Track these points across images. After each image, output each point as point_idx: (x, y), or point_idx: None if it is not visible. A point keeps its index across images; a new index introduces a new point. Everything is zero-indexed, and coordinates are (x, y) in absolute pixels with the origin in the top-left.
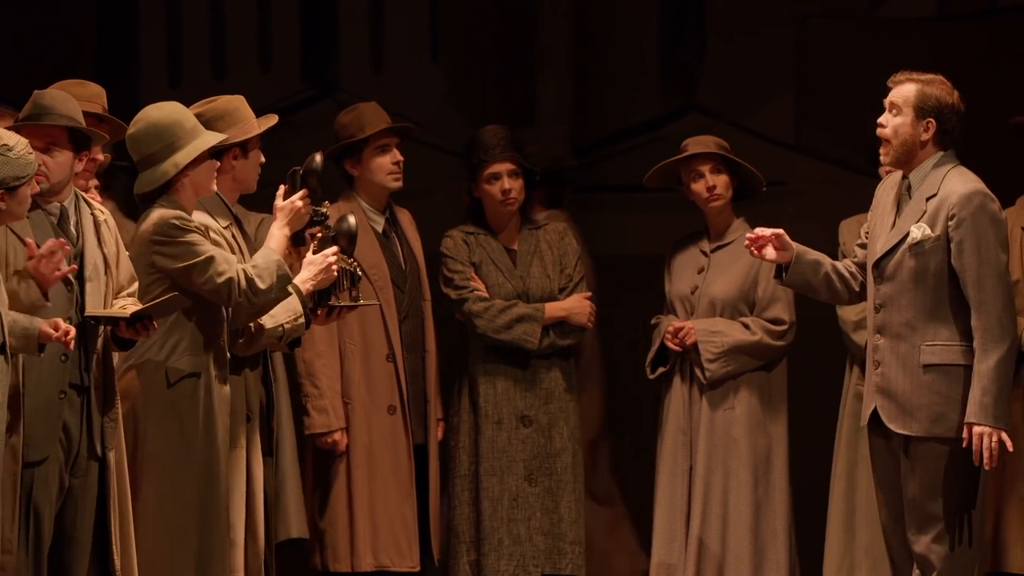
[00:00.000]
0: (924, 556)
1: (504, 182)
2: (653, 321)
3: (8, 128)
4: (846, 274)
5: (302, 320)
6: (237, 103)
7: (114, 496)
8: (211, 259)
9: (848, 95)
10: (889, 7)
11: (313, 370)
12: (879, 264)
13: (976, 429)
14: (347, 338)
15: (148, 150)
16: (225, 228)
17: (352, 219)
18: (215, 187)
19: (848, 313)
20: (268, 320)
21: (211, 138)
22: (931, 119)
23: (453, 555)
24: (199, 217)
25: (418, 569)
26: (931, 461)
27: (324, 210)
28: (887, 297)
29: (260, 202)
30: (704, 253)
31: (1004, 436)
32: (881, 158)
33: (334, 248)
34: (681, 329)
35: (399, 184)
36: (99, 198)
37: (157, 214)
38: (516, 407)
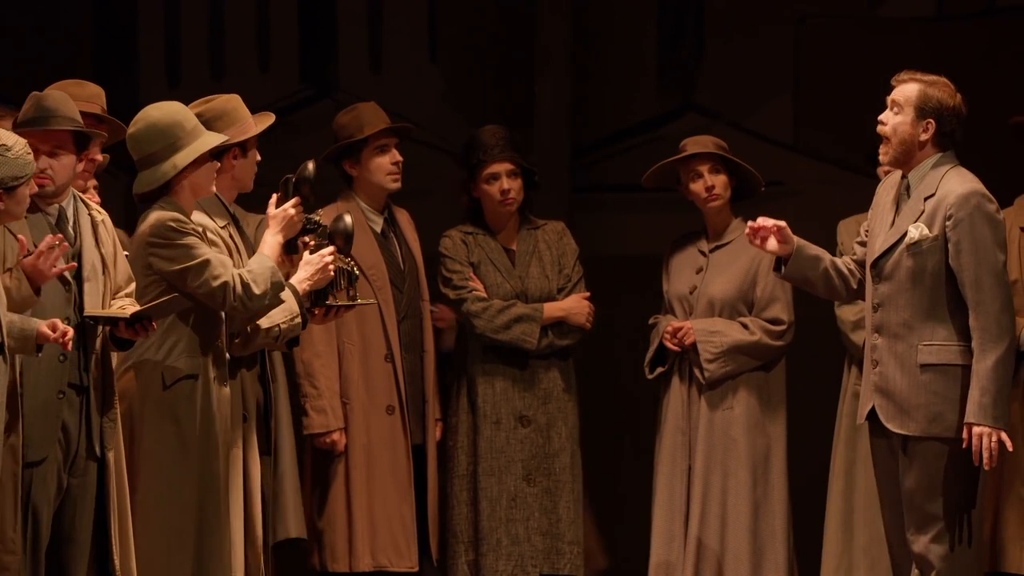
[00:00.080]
0: (923, 556)
1: (503, 182)
2: (651, 321)
3: (15, 133)
4: (845, 271)
5: (299, 320)
6: (235, 103)
7: (113, 496)
8: (207, 262)
9: (847, 95)
10: (888, 7)
11: (312, 370)
12: (877, 263)
13: (976, 429)
14: (346, 338)
15: (148, 150)
16: (222, 228)
17: (348, 219)
18: (214, 188)
19: (847, 313)
20: (264, 320)
21: (211, 139)
22: (931, 120)
23: (451, 555)
24: (196, 217)
25: (416, 569)
26: (929, 461)
27: (317, 218)
28: (885, 296)
29: (256, 201)
30: (703, 253)
31: (1004, 436)
32: (880, 157)
33: (331, 248)
34: (680, 329)
35: (398, 185)
36: (98, 198)
37: (155, 216)
38: (514, 407)
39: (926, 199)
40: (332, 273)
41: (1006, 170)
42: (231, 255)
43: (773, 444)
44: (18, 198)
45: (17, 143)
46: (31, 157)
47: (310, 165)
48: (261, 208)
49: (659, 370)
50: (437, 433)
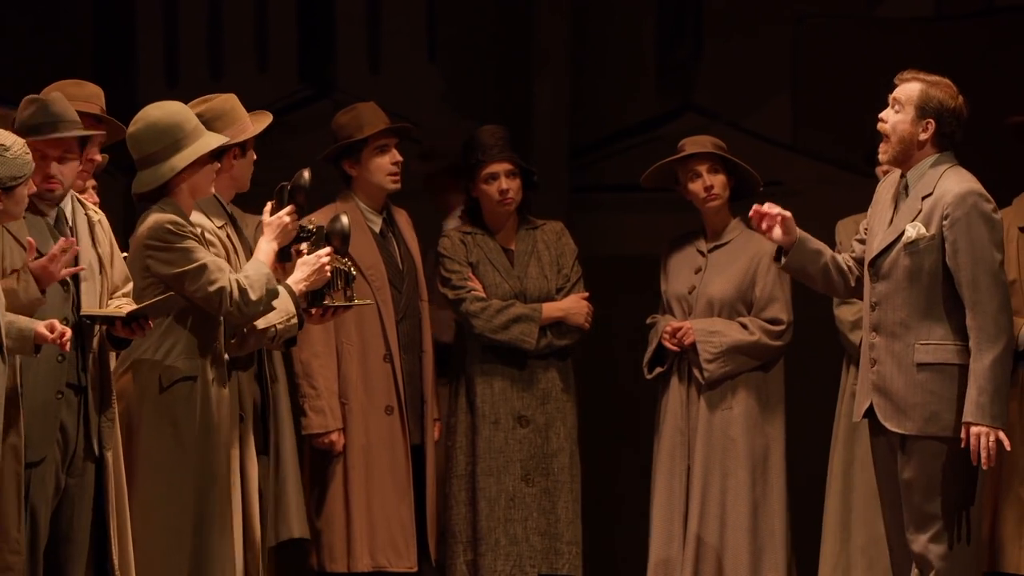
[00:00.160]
0: (922, 555)
1: (502, 182)
2: (649, 320)
3: (28, 144)
4: (844, 267)
5: (295, 321)
6: (232, 102)
7: (111, 496)
8: (204, 267)
9: (845, 95)
10: (886, 7)
11: (310, 371)
12: (875, 262)
13: (973, 429)
14: (344, 338)
15: (148, 150)
16: (220, 228)
17: (345, 219)
18: (213, 189)
19: (845, 313)
20: (261, 321)
21: (212, 140)
22: (931, 120)
23: (450, 555)
24: (194, 217)
25: (415, 569)
26: (926, 460)
27: (311, 227)
28: (882, 295)
29: (253, 201)
30: (701, 253)
31: (1001, 435)
32: (880, 155)
33: (327, 248)
34: (679, 329)
35: (397, 186)
36: (96, 198)
37: (153, 218)
38: (513, 407)
39: (923, 198)
40: (328, 274)
41: (1005, 170)
42: (228, 255)
43: (772, 444)
44: (17, 198)
45: (16, 143)
46: (29, 157)
47: (305, 173)
48: (256, 207)
49: (658, 370)
50: (436, 433)
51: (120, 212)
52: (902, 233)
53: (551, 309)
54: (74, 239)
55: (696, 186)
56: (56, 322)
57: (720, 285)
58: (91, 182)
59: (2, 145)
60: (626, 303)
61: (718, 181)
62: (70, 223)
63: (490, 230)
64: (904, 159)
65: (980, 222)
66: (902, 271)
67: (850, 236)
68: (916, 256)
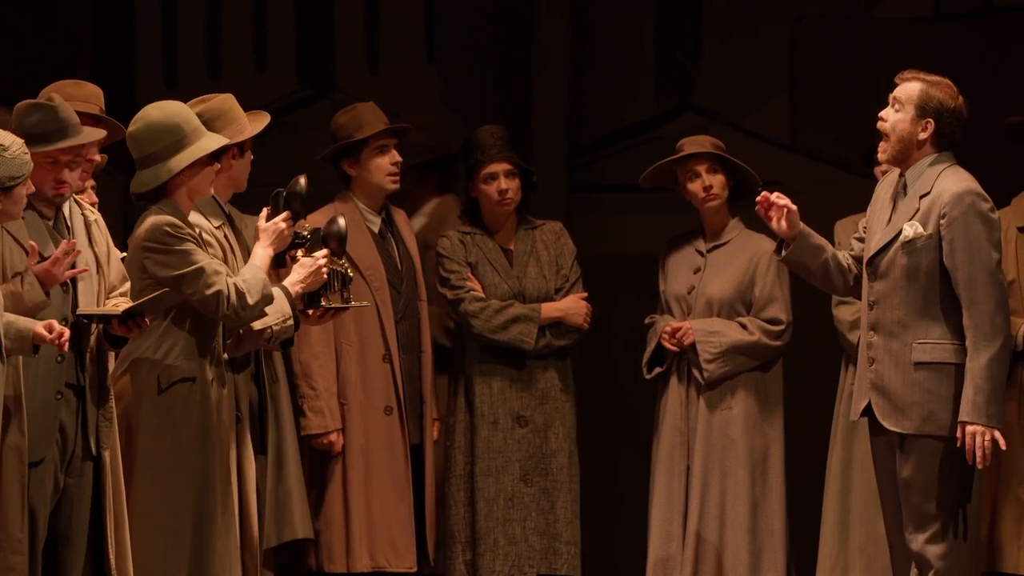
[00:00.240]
0: (921, 555)
1: (501, 182)
2: (648, 320)
3: (43, 153)
4: (844, 265)
5: (291, 322)
6: (230, 102)
7: (109, 496)
8: (201, 270)
9: (844, 95)
10: (885, 7)
11: (309, 371)
12: (873, 261)
13: (969, 428)
14: (343, 339)
15: (148, 150)
16: (217, 228)
17: (342, 221)
18: (212, 190)
19: (844, 313)
20: (257, 322)
21: (211, 142)
22: (930, 119)
23: (449, 555)
24: (192, 217)
25: (414, 569)
26: (924, 459)
27: (305, 233)
28: (880, 294)
29: (250, 201)
30: (700, 253)
31: (997, 435)
32: (879, 154)
33: (324, 251)
34: (679, 329)
35: (397, 186)
36: (95, 198)
37: (151, 220)
38: (512, 407)
39: (921, 197)
40: (325, 276)
41: (1004, 170)
42: (226, 256)
43: (771, 444)
44: (15, 198)
45: (14, 143)
46: (28, 157)
47: (302, 180)
48: (253, 207)
49: (657, 370)
50: (435, 433)
51: (119, 212)
52: (900, 232)
53: (550, 309)
54: (75, 242)
55: (695, 186)
56: (55, 322)
57: (719, 285)
58: (90, 182)
59: (1, 145)
60: (625, 303)
61: (717, 181)
62: (68, 223)
63: (489, 230)
64: (903, 158)
65: (977, 221)
66: (900, 270)
67: (849, 236)
68: (913, 255)
